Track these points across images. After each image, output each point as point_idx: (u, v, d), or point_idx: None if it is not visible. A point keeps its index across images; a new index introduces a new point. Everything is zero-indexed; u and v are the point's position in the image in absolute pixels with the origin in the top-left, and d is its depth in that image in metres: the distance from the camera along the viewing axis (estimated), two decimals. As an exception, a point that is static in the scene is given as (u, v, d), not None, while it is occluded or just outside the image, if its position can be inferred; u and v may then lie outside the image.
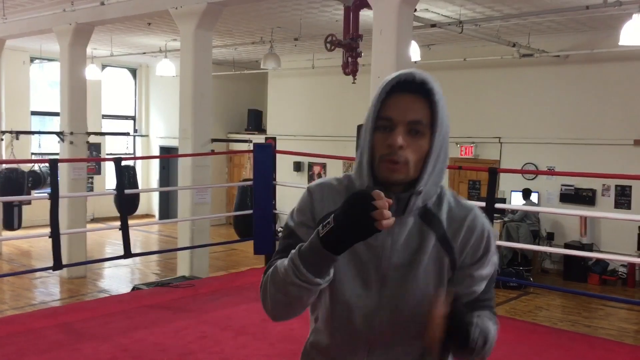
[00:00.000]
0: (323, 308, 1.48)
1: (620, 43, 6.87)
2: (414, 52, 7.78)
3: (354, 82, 7.52)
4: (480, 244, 1.45)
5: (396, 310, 1.42)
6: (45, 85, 14.40)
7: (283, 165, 10.84)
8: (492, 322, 1.44)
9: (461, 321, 1.34)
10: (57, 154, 9.74)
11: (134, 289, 6.64)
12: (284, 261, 1.35)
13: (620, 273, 9.76)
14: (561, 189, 10.46)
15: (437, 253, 1.42)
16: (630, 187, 9.75)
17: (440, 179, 1.43)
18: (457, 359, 1.46)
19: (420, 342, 1.41)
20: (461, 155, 11.31)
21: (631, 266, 9.54)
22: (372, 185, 1.38)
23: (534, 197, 10.43)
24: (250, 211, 7.02)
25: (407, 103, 1.37)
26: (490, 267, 1.47)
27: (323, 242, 1.26)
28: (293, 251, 1.33)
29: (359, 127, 5.46)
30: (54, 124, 12.82)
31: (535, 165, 10.61)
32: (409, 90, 1.38)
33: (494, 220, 5.52)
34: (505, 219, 10.21)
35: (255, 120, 14.90)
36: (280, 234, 1.53)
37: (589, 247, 9.79)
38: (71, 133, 9.17)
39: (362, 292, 1.42)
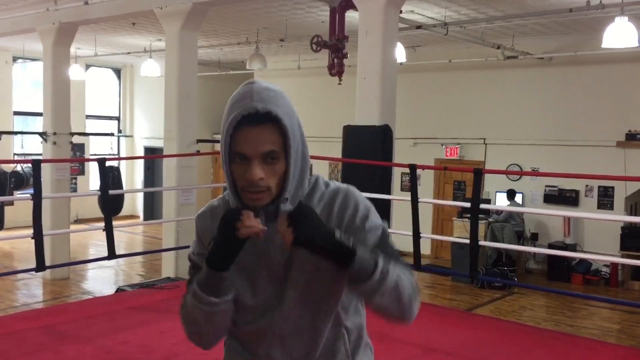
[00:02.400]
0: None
1: (603, 45, 6.95)
2: (400, 53, 7.81)
3: (339, 83, 7.53)
4: (355, 215, 1.49)
5: (295, 303, 1.50)
6: (28, 85, 14.26)
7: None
8: (400, 268, 1.45)
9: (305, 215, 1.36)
10: (40, 154, 9.65)
11: (118, 290, 6.59)
12: (189, 290, 1.49)
13: (603, 273, 9.86)
14: (545, 190, 10.55)
15: None
16: (612, 187, 9.86)
17: (302, 179, 1.48)
18: (348, 283, 1.44)
19: (330, 326, 1.51)
20: (446, 156, 11.37)
21: (614, 266, 9.64)
22: (240, 207, 1.45)
23: (518, 198, 10.50)
24: (236, 212, 6.99)
25: (257, 136, 1.39)
26: (374, 231, 1.49)
27: (208, 262, 1.42)
28: (193, 281, 1.47)
29: (345, 128, 5.48)
30: (37, 124, 12.70)
31: (519, 166, 10.69)
32: (255, 122, 1.39)
33: (479, 221, 5.54)
34: (490, 219, 10.27)
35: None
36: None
37: (572, 248, 9.88)
38: (54, 133, 9.09)
39: (262, 297, 1.52)
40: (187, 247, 6.65)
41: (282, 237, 1.37)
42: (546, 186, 10.52)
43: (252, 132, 1.40)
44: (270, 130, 1.40)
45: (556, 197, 10.40)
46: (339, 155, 6.58)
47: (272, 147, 1.40)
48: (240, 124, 1.40)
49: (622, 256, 9.20)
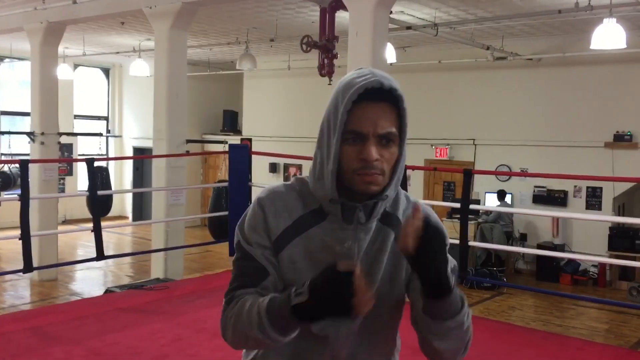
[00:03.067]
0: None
1: (592, 47, 6.99)
2: (390, 54, 7.82)
3: (329, 84, 7.52)
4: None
5: (358, 320, 1.38)
6: (15, 84, 14.14)
7: (259, 167, 10.80)
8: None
9: (431, 247, 1.23)
10: (27, 154, 9.58)
11: (107, 291, 6.55)
12: (250, 306, 1.30)
13: (591, 273, 9.92)
14: (534, 190, 10.60)
15: (397, 251, 1.37)
16: (601, 188, 9.92)
17: (400, 181, 1.41)
18: (430, 311, 1.31)
19: (384, 348, 1.44)
20: (436, 156, 11.40)
21: (602, 266, 9.71)
22: (337, 197, 1.34)
23: (508, 199, 10.55)
24: (226, 212, 6.98)
25: (377, 113, 1.30)
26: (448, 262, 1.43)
27: (295, 312, 1.21)
28: (261, 304, 1.27)
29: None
30: (25, 124, 12.60)
31: (508, 167, 10.74)
32: (377, 99, 1.30)
33: (469, 222, 5.56)
34: (480, 220, 10.31)
35: (231, 121, 14.83)
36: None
37: (561, 248, 9.94)
38: (42, 133, 9.02)
39: None
40: (177, 247, 6.62)
41: (402, 238, 1.22)
42: (535, 187, 10.58)
43: (373, 109, 1.30)
44: (391, 112, 1.32)
45: (545, 198, 10.46)
46: (329, 155, 6.56)
47: (392, 128, 1.31)
48: (358, 101, 1.30)
49: (610, 256, 9.27)
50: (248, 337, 1.31)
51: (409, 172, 5.85)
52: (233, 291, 1.38)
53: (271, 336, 1.26)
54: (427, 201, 11.40)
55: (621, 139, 9.68)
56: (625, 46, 6.88)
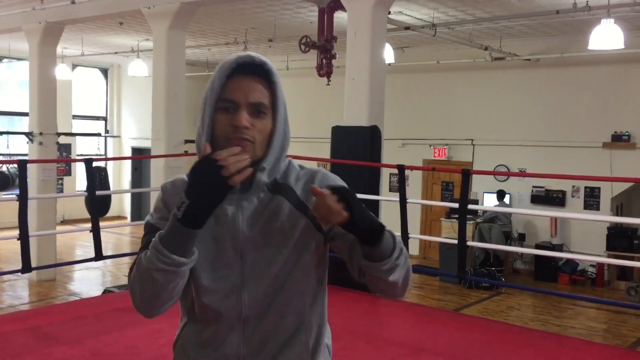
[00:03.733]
0: (189, 299, 1.48)
1: (590, 47, 7.01)
2: (388, 54, 7.83)
3: (328, 84, 7.54)
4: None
5: (260, 281, 1.42)
6: (14, 84, 14.13)
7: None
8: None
9: (350, 199, 1.31)
10: (26, 154, 9.56)
11: (105, 291, 6.55)
12: (147, 251, 1.35)
13: (589, 273, 9.94)
14: (532, 191, 10.62)
15: (293, 218, 1.43)
16: (599, 188, 9.94)
17: (282, 155, 1.47)
18: (368, 259, 1.37)
19: (294, 311, 1.44)
20: (434, 157, 11.41)
21: (600, 266, 9.72)
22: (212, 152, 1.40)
23: (506, 199, 10.56)
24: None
25: (249, 84, 1.40)
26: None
27: (182, 221, 1.28)
28: (153, 239, 1.33)
29: (334, 129, 5.47)
30: (23, 124, 12.59)
31: (507, 167, 10.75)
32: (249, 73, 1.40)
33: (467, 222, 5.56)
34: (478, 220, 10.33)
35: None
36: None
37: (559, 248, 9.96)
38: (40, 133, 9.01)
39: (224, 272, 1.43)
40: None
41: (328, 213, 1.28)
42: (533, 187, 10.59)
43: (245, 81, 1.40)
44: (262, 84, 1.42)
45: (543, 198, 10.47)
46: (327, 155, 6.58)
47: (262, 100, 1.41)
48: (234, 73, 1.40)
49: (608, 256, 9.28)
50: (150, 279, 1.34)
51: (407, 172, 5.85)
52: (135, 261, 1.43)
53: (170, 259, 1.30)
54: (425, 201, 11.42)
55: (619, 139, 9.70)
56: (623, 47, 6.89)
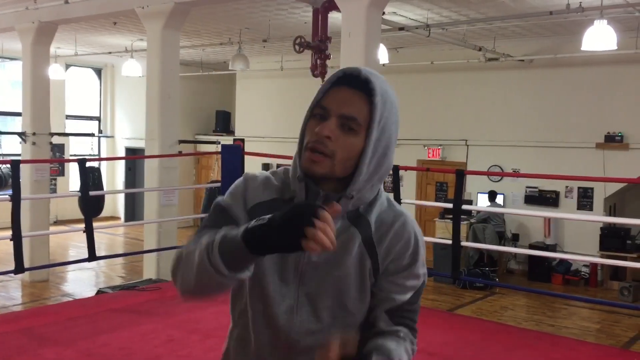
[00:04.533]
0: (243, 305, 1.41)
1: (583, 48, 7.03)
2: (382, 54, 7.84)
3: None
4: (406, 252, 1.38)
5: (314, 309, 1.36)
6: (7, 84, 14.07)
7: (251, 167, 10.75)
8: (406, 346, 1.38)
9: None
10: (19, 154, 9.52)
11: (99, 292, 6.53)
12: (207, 237, 1.27)
13: (582, 273, 9.97)
14: (526, 191, 10.65)
15: (361, 255, 1.36)
16: (592, 189, 9.98)
17: (378, 186, 1.37)
18: None
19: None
20: (428, 157, 11.42)
21: (593, 266, 9.76)
22: (302, 176, 1.32)
23: (499, 199, 10.59)
24: (218, 213, 6.96)
25: (345, 96, 1.32)
26: (415, 279, 1.39)
27: (246, 236, 1.17)
28: (217, 235, 1.23)
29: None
30: (16, 124, 12.53)
31: (500, 168, 10.78)
32: (351, 85, 1.33)
33: (461, 222, 5.57)
34: (472, 220, 10.35)
35: (223, 122, 14.81)
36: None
37: (552, 248, 9.98)
38: (33, 134, 8.97)
39: (281, 286, 1.36)
40: (169, 248, 6.60)
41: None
42: (527, 187, 10.62)
43: (343, 92, 1.33)
44: (362, 100, 1.32)
45: (537, 198, 10.50)
46: (321, 156, 6.57)
47: (355, 113, 1.31)
48: (338, 83, 1.34)
49: (601, 256, 9.32)
50: (196, 269, 1.26)
51: (401, 172, 5.86)
52: (194, 237, 1.35)
53: (218, 268, 1.21)
54: (419, 202, 11.43)
55: (612, 140, 9.74)
56: (616, 47, 6.91)
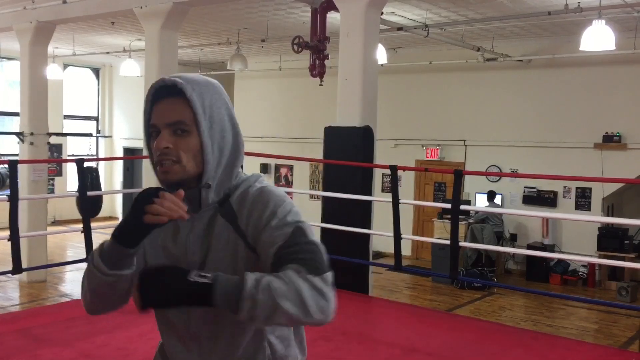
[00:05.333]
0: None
1: (581, 48, 7.04)
2: (381, 54, 7.84)
3: (321, 84, 7.53)
4: (263, 213, 1.39)
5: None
6: (4, 84, 14.04)
7: (249, 167, 10.77)
8: (290, 275, 1.28)
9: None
10: (16, 155, 9.50)
11: (97, 292, 6.50)
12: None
13: (580, 273, 9.98)
14: (524, 191, 10.65)
15: (234, 240, 1.42)
16: (590, 189, 9.99)
17: (231, 170, 1.46)
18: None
19: (236, 334, 1.44)
20: (427, 157, 11.43)
21: (591, 266, 9.77)
22: (164, 188, 1.40)
23: (497, 199, 10.59)
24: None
25: (164, 107, 1.42)
26: (282, 228, 1.36)
27: (113, 233, 1.36)
28: (95, 249, 1.41)
29: (327, 129, 5.48)
30: (14, 124, 12.51)
31: (499, 168, 10.78)
32: (166, 95, 1.42)
33: (459, 222, 5.57)
34: (470, 220, 10.35)
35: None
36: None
37: (550, 248, 9.99)
38: (31, 134, 8.95)
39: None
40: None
41: (135, 303, 1.33)
42: (525, 187, 10.63)
43: (162, 104, 1.42)
44: (180, 104, 1.41)
45: (535, 198, 10.51)
46: (320, 156, 6.58)
47: (179, 118, 1.40)
48: (155, 100, 1.44)
49: (599, 256, 9.33)
50: (87, 282, 1.45)
51: (399, 172, 5.86)
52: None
53: (101, 269, 1.38)
54: (418, 202, 11.44)
55: (610, 140, 9.75)
56: (614, 48, 6.92)
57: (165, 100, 1.42)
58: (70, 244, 11.80)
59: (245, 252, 1.41)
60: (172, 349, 1.53)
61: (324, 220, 6.09)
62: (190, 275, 1.28)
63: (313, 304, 1.27)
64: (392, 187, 5.76)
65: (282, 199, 1.43)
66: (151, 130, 1.44)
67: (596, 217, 9.38)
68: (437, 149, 11.38)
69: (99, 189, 10.59)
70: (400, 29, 8.40)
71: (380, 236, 6.10)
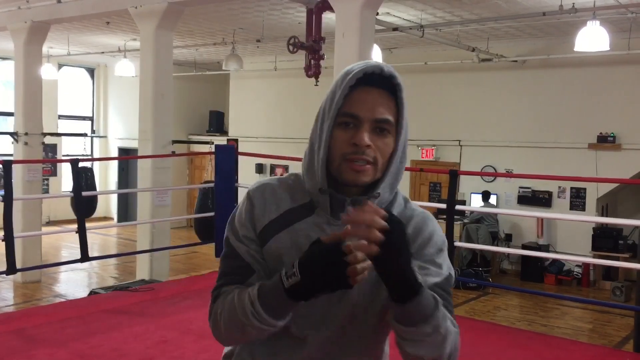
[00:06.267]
0: None
1: (576, 49, 7.06)
2: (376, 55, 7.84)
3: (316, 85, 7.53)
4: (426, 246, 1.32)
5: (336, 316, 1.32)
6: (-2, 84, 14.00)
7: (245, 167, 10.77)
8: (449, 320, 1.25)
9: (399, 242, 1.12)
10: (11, 155, 9.47)
11: (92, 293, 6.50)
12: (240, 297, 1.25)
13: (575, 273, 10.01)
14: (519, 191, 10.68)
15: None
16: (584, 189, 10.02)
17: (397, 182, 1.35)
18: (394, 319, 1.20)
19: (365, 357, 1.34)
20: (422, 157, 11.44)
21: (586, 266, 9.80)
22: (326, 187, 1.28)
23: (492, 199, 10.62)
24: (212, 214, 6.96)
25: (375, 99, 1.26)
26: (438, 267, 1.31)
27: (289, 293, 1.17)
28: (252, 293, 1.23)
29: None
30: (8, 124, 12.47)
31: (494, 168, 10.81)
32: (376, 85, 1.26)
33: (455, 222, 5.58)
34: (465, 220, 10.37)
35: (217, 122, 14.78)
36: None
37: (545, 248, 10.02)
38: (26, 134, 8.93)
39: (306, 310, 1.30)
40: (162, 249, 6.58)
41: (361, 229, 1.09)
42: (520, 187, 10.65)
43: (371, 94, 1.26)
44: (389, 100, 1.27)
45: (529, 199, 10.54)
46: (315, 156, 6.57)
47: (388, 116, 1.26)
48: (358, 83, 1.26)
49: (594, 256, 9.36)
50: (241, 328, 1.25)
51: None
52: (219, 288, 1.34)
53: (266, 321, 1.21)
54: (413, 202, 11.44)
55: (605, 141, 9.78)
56: (608, 48, 6.95)
57: (373, 90, 1.26)
58: (64, 245, 11.76)
59: None
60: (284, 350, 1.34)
61: (319, 220, 6.08)
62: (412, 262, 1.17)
63: (448, 351, 1.23)
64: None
65: (444, 235, 1.37)
66: (344, 120, 1.26)
67: (590, 217, 9.41)
68: (432, 149, 11.39)
69: (94, 189, 10.56)
70: (395, 29, 8.41)
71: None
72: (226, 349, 1.46)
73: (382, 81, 1.27)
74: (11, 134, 9.16)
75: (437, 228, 1.37)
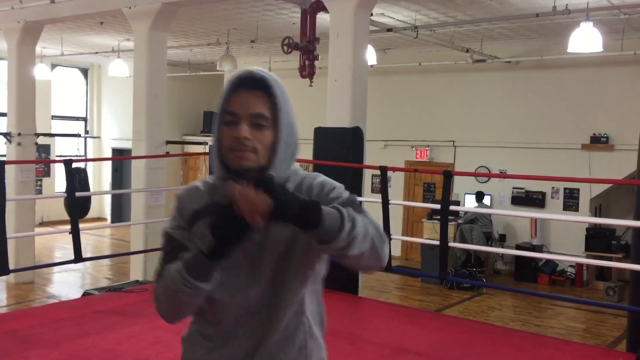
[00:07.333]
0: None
1: (569, 50, 7.10)
2: (370, 55, 7.85)
3: (310, 85, 7.53)
4: (321, 192, 1.54)
5: (265, 281, 1.54)
6: (-9, 84, 13.92)
7: (239, 168, 10.78)
8: (362, 217, 1.45)
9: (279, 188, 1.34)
10: (4, 155, 9.43)
11: (85, 294, 6.48)
12: (171, 270, 1.47)
13: (568, 273, 10.05)
14: (512, 192, 10.71)
15: (292, 228, 1.46)
16: (578, 189, 10.06)
17: (289, 163, 1.56)
18: (322, 244, 1.38)
19: (283, 307, 1.52)
20: (416, 158, 11.46)
21: (579, 266, 9.83)
22: (226, 174, 1.50)
23: (486, 200, 10.64)
24: (206, 214, 6.93)
25: (249, 98, 1.50)
26: (337, 199, 1.51)
27: (209, 254, 1.39)
28: (178, 264, 1.45)
29: (316, 130, 5.47)
30: (1, 124, 12.41)
31: (487, 169, 10.83)
32: (250, 87, 1.51)
33: (449, 223, 5.59)
34: (460, 221, 10.39)
35: (211, 123, 14.71)
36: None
37: (539, 249, 10.05)
38: (19, 134, 8.89)
39: (234, 272, 1.54)
40: (157, 249, 6.57)
41: (250, 204, 1.30)
42: (513, 188, 10.68)
43: (245, 95, 1.50)
44: (263, 98, 1.51)
45: (523, 199, 10.57)
46: (309, 157, 6.57)
47: (262, 110, 1.49)
48: (236, 89, 1.51)
49: (587, 257, 9.40)
50: (174, 296, 1.47)
51: (389, 173, 5.87)
52: (159, 268, 1.55)
53: (193, 284, 1.43)
54: (407, 203, 11.46)
55: (598, 141, 9.82)
56: (601, 49, 6.98)
57: (247, 92, 1.51)
58: (58, 245, 11.72)
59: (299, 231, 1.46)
60: (226, 328, 1.56)
61: (313, 221, 6.08)
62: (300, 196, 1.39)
63: (383, 245, 1.46)
64: (382, 187, 5.77)
65: (337, 184, 1.58)
66: (227, 119, 1.50)
67: (584, 218, 9.45)
68: (426, 150, 11.41)
69: (88, 189, 10.53)
70: (389, 30, 8.42)
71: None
72: (183, 333, 1.68)
73: (256, 84, 1.52)
74: (4, 134, 9.12)
75: (327, 179, 1.59)
